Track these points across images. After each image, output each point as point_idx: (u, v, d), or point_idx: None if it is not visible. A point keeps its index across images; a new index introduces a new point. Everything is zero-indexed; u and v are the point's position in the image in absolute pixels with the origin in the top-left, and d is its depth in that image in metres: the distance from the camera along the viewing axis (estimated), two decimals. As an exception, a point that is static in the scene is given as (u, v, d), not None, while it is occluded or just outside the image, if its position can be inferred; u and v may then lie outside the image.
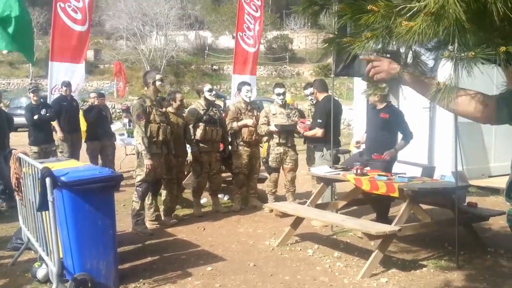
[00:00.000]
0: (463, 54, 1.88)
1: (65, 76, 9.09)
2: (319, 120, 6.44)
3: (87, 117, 9.08)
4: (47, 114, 8.15)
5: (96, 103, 9.28)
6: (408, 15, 1.85)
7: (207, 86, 7.12)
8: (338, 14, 2.38)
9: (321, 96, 6.58)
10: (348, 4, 2.21)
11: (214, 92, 7.06)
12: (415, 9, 1.83)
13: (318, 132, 6.46)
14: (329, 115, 6.32)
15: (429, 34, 1.76)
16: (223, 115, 7.37)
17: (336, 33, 2.94)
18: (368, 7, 2.00)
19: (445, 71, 2.04)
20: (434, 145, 8.25)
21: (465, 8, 1.71)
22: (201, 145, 6.83)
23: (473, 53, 1.87)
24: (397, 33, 1.88)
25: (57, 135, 8.42)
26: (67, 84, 8.62)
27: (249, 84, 7.43)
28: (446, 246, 5.31)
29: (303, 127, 6.75)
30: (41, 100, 8.34)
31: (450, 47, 1.97)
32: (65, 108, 8.50)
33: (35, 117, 8.07)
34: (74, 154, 8.36)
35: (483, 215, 5.28)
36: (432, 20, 1.72)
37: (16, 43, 6.12)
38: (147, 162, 5.83)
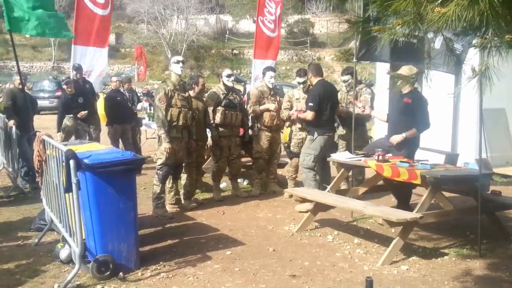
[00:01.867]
0: (496, 39, 1.82)
1: (88, 60, 9.16)
2: (310, 104, 6.32)
3: (109, 101, 9.14)
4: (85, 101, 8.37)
5: (117, 86, 9.35)
6: (439, 1, 1.79)
7: (226, 71, 7.09)
8: (367, 0, 2.33)
9: (315, 80, 6.49)
10: None
11: (232, 78, 7.02)
12: None
13: (308, 115, 6.33)
14: (321, 99, 6.27)
15: (463, 20, 1.71)
16: (243, 99, 7.31)
17: (360, 17, 2.89)
18: None
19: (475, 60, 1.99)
20: (457, 132, 8.09)
21: None
22: (220, 129, 6.83)
23: (509, 37, 1.81)
24: (429, 19, 1.83)
25: (80, 115, 8.47)
26: (77, 68, 8.66)
27: (274, 70, 7.38)
28: (468, 235, 5.25)
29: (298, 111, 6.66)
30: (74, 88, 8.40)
31: (481, 34, 1.91)
32: (77, 92, 8.53)
33: (70, 116, 8.32)
34: (91, 136, 8.47)
35: (507, 204, 5.19)
36: (466, 5, 1.67)
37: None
38: (165, 145, 5.86)
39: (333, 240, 5.18)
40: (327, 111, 6.31)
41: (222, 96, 6.84)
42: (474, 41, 2.17)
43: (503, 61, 1.89)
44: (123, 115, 9.16)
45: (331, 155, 6.28)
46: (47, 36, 6.88)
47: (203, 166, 7.44)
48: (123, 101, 9.24)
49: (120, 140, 9.22)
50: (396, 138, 5.67)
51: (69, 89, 8.33)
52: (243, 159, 7.84)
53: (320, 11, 40.27)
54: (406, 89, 5.70)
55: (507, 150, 8.30)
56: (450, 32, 2.35)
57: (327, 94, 6.34)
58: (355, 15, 3.19)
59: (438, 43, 2.59)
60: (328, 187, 5.85)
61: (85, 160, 3.99)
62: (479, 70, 1.91)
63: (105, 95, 9.35)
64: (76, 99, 8.30)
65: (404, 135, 5.64)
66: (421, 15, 1.92)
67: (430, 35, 2.44)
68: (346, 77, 7.08)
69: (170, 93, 5.99)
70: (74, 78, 8.67)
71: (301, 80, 6.89)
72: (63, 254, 4.43)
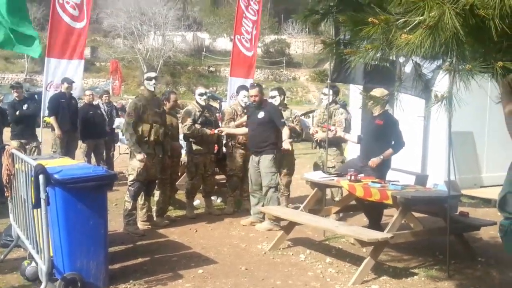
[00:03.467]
0: (460, 67, 1.89)
1: (61, 72, 9.04)
2: (282, 120, 6.47)
3: (81, 116, 9.04)
4: (29, 109, 8.10)
5: (90, 100, 9.26)
6: (407, 28, 1.86)
7: (198, 90, 7.13)
8: (339, 25, 2.39)
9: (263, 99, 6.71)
10: (349, 16, 2.22)
11: (205, 97, 6.99)
12: (414, 22, 1.85)
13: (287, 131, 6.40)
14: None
15: (427, 47, 1.77)
16: (218, 117, 7.31)
17: (334, 39, 2.96)
18: (369, 20, 2.02)
19: (444, 83, 2.06)
20: (427, 153, 8.28)
21: (462, 22, 1.72)
22: (196, 147, 6.82)
23: (470, 66, 1.89)
24: (397, 45, 1.89)
25: (56, 132, 8.35)
26: (70, 82, 8.56)
27: (247, 89, 7.43)
28: (437, 255, 5.32)
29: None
30: (24, 95, 8.28)
31: (448, 60, 1.99)
32: (62, 105, 8.43)
33: (17, 113, 8.01)
34: (68, 153, 8.29)
35: (475, 225, 5.30)
36: (430, 33, 1.74)
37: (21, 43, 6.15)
38: (139, 157, 5.81)
39: (306, 259, 5.19)
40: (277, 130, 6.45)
41: (198, 114, 6.84)
42: (439, 67, 2.25)
43: (465, 88, 1.96)
44: (95, 130, 9.05)
45: (305, 174, 6.33)
46: (14, 50, 6.76)
47: (176, 183, 7.39)
48: (96, 116, 9.14)
49: (92, 155, 9.10)
50: (375, 161, 5.74)
51: (15, 94, 8.19)
52: (217, 177, 7.82)
53: (296, 32, 40.91)
54: (377, 111, 5.81)
55: (475, 172, 8.50)
56: (418, 57, 2.43)
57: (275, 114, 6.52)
58: (329, 37, 3.26)
59: (408, 67, 2.68)
60: (301, 206, 5.88)
61: (55, 175, 3.93)
62: (441, 96, 1.98)
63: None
64: (21, 105, 8.08)
65: (381, 157, 5.73)
66: (389, 41, 1.99)
67: (401, 59, 2.52)
68: (272, 93, 7.14)
69: (142, 108, 5.95)
70: (63, 90, 8.54)
71: (274, 94, 7.05)
72: (30, 271, 4.32)
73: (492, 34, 1.76)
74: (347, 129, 6.73)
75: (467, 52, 1.88)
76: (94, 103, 9.66)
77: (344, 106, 7.47)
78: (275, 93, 7.07)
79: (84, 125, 8.98)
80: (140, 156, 5.81)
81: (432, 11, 1.69)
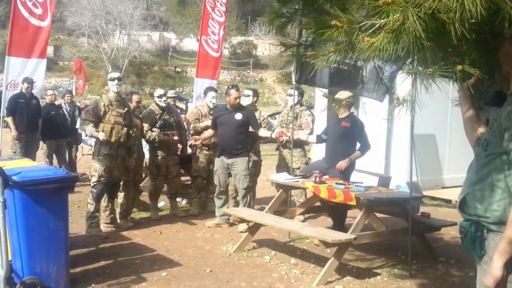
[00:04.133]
0: (421, 70, 1.93)
1: (22, 72, 8.80)
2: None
3: (43, 116, 8.82)
4: None
5: (52, 100, 9.05)
6: (370, 31, 1.88)
7: (157, 91, 7.05)
8: (303, 27, 2.41)
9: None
10: (313, 18, 2.23)
11: (164, 98, 6.93)
12: (377, 25, 1.87)
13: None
14: None
15: (389, 50, 1.80)
16: (184, 118, 7.25)
17: (297, 41, 2.98)
18: (332, 22, 2.03)
19: (405, 87, 2.10)
20: (390, 155, 8.45)
21: (424, 26, 1.75)
22: (157, 149, 6.75)
23: (431, 70, 1.92)
24: (359, 48, 1.91)
25: (12, 133, 8.13)
26: (30, 81, 8.32)
27: (215, 90, 7.45)
28: (399, 255, 5.43)
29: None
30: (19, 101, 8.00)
31: (410, 64, 2.03)
32: (21, 105, 8.20)
33: None
34: (28, 154, 8.06)
35: (436, 226, 5.42)
36: (393, 37, 1.76)
37: None
38: (100, 135, 5.67)
39: (270, 261, 5.20)
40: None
41: (157, 116, 6.77)
42: (400, 71, 2.29)
43: (426, 92, 2.00)
44: (57, 131, 8.85)
45: (270, 175, 6.34)
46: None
47: (140, 185, 7.29)
48: (58, 116, 8.95)
49: (54, 156, 8.89)
50: (343, 164, 5.78)
51: None
52: (182, 178, 7.76)
53: (263, 34, 41.05)
54: (343, 113, 5.88)
55: (437, 174, 8.72)
56: (379, 60, 2.47)
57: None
58: (291, 38, 3.27)
59: (369, 69, 2.73)
60: (266, 208, 5.90)
61: (14, 177, 3.81)
62: (403, 99, 2.02)
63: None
64: None
65: (349, 159, 5.79)
66: (352, 44, 2.01)
67: (361, 62, 2.56)
68: (247, 92, 7.27)
69: (104, 108, 5.84)
70: (23, 91, 8.29)
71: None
72: (-13, 276, 4.18)
73: (452, 38, 1.80)
74: (312, 130, 6.81)
75: (428, 55, 1.91)
76: (57, 103, 9.45)
77: (310, 108, 7.55)
78: (250, 92, 7.08)
79: (45, 125, 8.77)
80: (101, 135, 5.67)
81: (396, 15, 1.71)
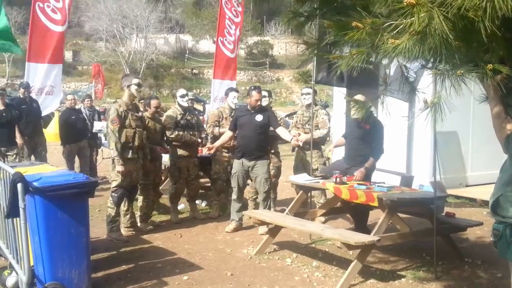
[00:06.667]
0: (450, 72, 1.85)
1: (42, 77, 8.89)
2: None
3: (62, 120, 8.88)
4: (9, 116, 7.77)
5: (72, 105, 9.11)
6: (394, 32, 1.81)
7: (180, 91, 7.05)
8: (324, 29, 2.34)
9: None
10: (334, 21, 2.17)
11: (187, 98, 6.95)
12: (400, 26, 1.80)
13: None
14: None
15: (415, 52, 1.73)
16: (203, 119, 7.22)
17: (316, 39, 2.91)
18: (353, 24, 1.97)
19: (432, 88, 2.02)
20: (412, 154, 8.28)
21: (451, 26, 1.68)
22: (179, 151, 6.74)
23: (462, 71, 1.84)
24: (384, 50, 1.84)
25: (17, 141, 8.07)
26: (25, 86, 8.36)
27: (236, 91, 7.40)
28: (424, 256, 5.31)
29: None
30: (6, 101, 8.01)
31: (437, 64, 1.95)
32: (24, 111, 8.17)
33: None
34: (37, 158, 8.08)
35: (461, 226, 5.30)
36: (418, 39, 1.69)
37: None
38: (118, 168, 5.72)
39: (292, 263, 5.14)
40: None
41: (179, 117, 6.76)
42: (427, 71, 2.22)
43: (456, 94, 1.92)
44: (78, 135, 8.91)
45: (290, 177, 6.27)
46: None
47: (160, 188, 7.29)
48: (78, 120, 9.00)
49: (77, 158, 8.95)
50: (359, 174, 5.64)
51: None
52: (201, 180, 7.73)
53: (278, 33, 40.96)
54: (362, 115, 5.76)
55: (460, 172, 8.54)
56: (404, 60, 2.39)
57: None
58: (312, 37, 3.20)
59: (392, 69, 2.65)
60: (287, 209, 5.83)
61: (34, 183, 3.82)
62: (431, 102, 1.94)
63: (59, 114, 9.08)
64: (1, 113, 7.65)
65: (365, 167, 5.68)
66: (376, 45, 1.94)
67: (385, 61, 2.48)
68: (263, 93, 7.07)
69: (123, 114, 5.85)
70: (21, 96, 8.36)
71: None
72: (10, 281, 4.22)
73: (479, 36, 1.72)
74: (329, 129, 6.76)
75: (456, 55, 1.84)
76: (76, 107, 9.51)
77: (325, 107, 7.47)
78: (265, 93, 7.02)
79: (65, 129, 8.84)
80: (120, 168, 5.71)
81: (421, 16, 1.64)
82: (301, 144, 6.39)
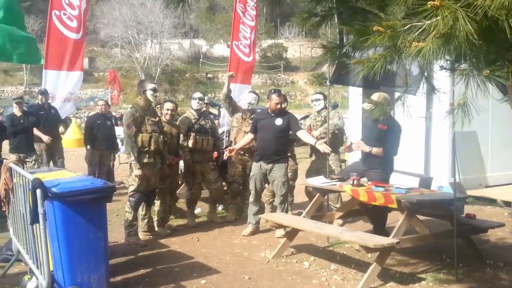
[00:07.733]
0: (475, 72, 1.81)
1: (60, 84, 9.00)
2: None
3: (88, 123, 8.97)
4: (28, 122, 7.96)
5: (103, 111, 9.17)
6: (416, 34, 1.78)
7: (196, 94, 7.09)
8: (343, 33, 2.31)
9: None
10: (353, 26, 2.14)
11: (201, 102, 6.97)
12: (423, 27, 1.77)
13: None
14: None
15: (440, 54, 1.69)
16: (218, 123, 7.21)
17: (335, 43, 2.88)
18: (374, 28, 1.94)
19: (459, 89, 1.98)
20: (430, 155, 8.20)
21: (476, 27, 1.64)
22: (192, 156, 6.75)
23: (488, 71, 1.80)
24: (407, 53, 1.81)
25: (44, 140, 8.24)
26: (43, 92, 8.48)
27: (255, 93, 7.43)
28: (444, 259, 5.23)
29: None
30: (24, 109, 8.13)
31: (463, 65, 1.91)
32: (43, 117, 8.31)
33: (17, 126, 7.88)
34: (55, 164, 8.20)
35: (482, 227, 5.21)
36: (443, 42, 1.66)
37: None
38: (136, 172, 5.75)
39: (310, 267, 5.10)
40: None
41: (193, 121, 6.78)
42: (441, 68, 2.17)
43: (483, 95, 1.88)
44: (101, 140, 8.93)
45: (307, 179, 6.23)
46: (14, 62, 6.70)
47: (177, 192, 7.30)
48: (102, 126, 9.00)
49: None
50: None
51: (17, 109, 7.98)
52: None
53: (292, 36, 40.93)
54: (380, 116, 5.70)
55: (479, 172, 8.40)
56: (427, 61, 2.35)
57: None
58: (329, 40, 3.18)
59: (413, 68, 2.61)
60: (304, 212, 5.80)
61: (53, 189, 3.86)
62: (458, 103, 1.90)
63: (87, 118, 9.16)
64: (20, 119, 7.92)
65: (371, 149, 5.62)
66: (398, 47, 1.91)
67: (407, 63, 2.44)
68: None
69: (139, 119, 5.88)
70: (40, 102, 8.48)
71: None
72: (30, 286, 4.23)
73: (504, 34, 1.68)
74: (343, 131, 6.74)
75: (481, 56, 1.80)
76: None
77: (335, 107, 7.43)
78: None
79: (89, 133, 8.90)
80: (137, 171, 5.74)
81: (446, 17, 1.61)
82: (328, 150, 5.99)
